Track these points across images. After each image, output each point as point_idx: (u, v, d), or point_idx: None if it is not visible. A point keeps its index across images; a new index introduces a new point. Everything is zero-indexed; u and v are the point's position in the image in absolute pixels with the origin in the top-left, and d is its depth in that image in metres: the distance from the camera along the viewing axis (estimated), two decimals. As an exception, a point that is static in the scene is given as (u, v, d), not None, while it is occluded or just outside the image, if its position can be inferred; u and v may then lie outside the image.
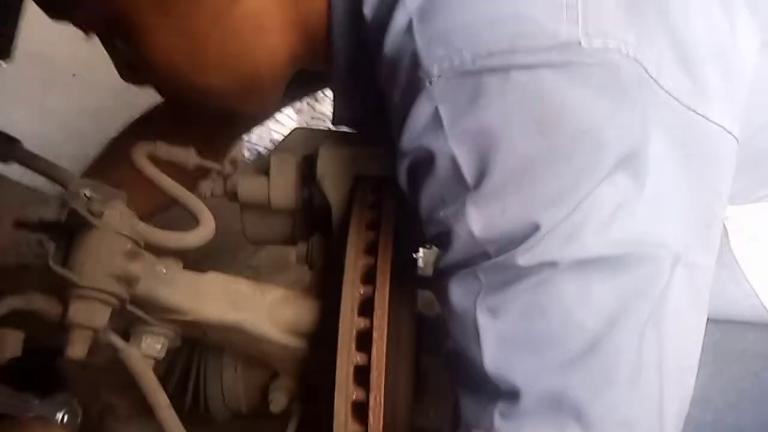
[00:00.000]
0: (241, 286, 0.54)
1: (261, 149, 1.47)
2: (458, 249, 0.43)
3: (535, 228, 0.40)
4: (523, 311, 0.41)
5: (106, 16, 0.52)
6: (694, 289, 0.44)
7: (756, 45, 0.48)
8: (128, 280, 0.46)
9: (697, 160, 0.45)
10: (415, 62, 0.43)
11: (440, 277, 0.45)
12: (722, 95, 0.45)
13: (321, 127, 1.00)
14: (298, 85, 0.63)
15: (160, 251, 0.53)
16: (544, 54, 0.40)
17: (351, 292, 0.49)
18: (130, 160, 0.60)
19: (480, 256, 0.42)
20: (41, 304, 0.43)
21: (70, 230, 0.44)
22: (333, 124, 0.67)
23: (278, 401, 0.57)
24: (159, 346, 0.52)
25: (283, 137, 0.67)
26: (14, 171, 0.56)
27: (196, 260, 0.56)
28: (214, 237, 0.56)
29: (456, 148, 0.41)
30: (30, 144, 0.57)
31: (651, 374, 0.41)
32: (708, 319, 0.45)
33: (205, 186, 0.66)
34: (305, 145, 0.63)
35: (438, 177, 0.43)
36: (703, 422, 0.56)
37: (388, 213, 0.53)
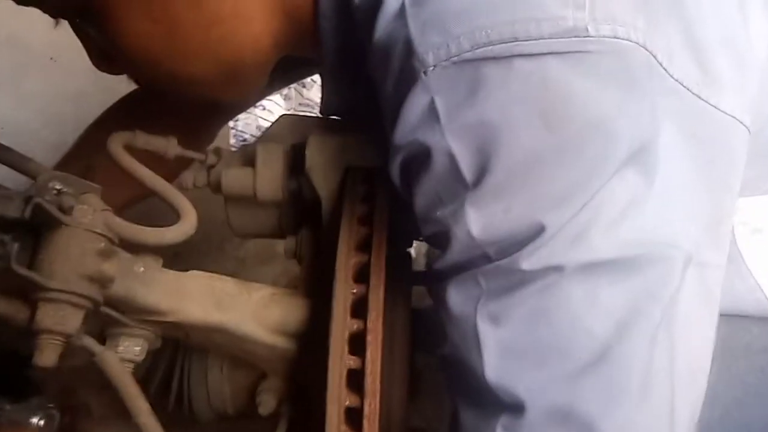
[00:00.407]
0: (225, 284, 0.51)
1: (247, 136, 1.43)
2: (457, 251, 0.40)
3: (540, 229, 0.37)
4: (527, 318, 0.38)
5: (76, 2, 0.48)
6: (705, 288, 0.42)
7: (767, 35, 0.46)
8: (102, 281, 0.43)
9: (708, 153, 0.42)
10: (409, 50, 0.39)
11: (437, 279, 0.43)
12: (734, 85, 0.43)
13: (309, 114, 0.96)
14: (284, 71, 0.60)
15: (137, 248, 0.49)
16: (549, 41, 0.37)
17: (343, 292, 0.46)
18: (105, 152, 0.56)
19: (480, 259, 0.39)
20: (6, 308, 0.40)
21: (35, 228, 0.41)
22: (322, 113, 0.63)
23: (267, 403, 0.55)
24: (138, 349, 0.49)
25: (270, 125, 0.63)
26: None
27: (178, 252, 0.53)
28: (198, 228, 0.53)
29: (453, 144, 0.38)
30: (6, 131, 0.53)
31: (663, 381, 0.38)
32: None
33: (187, 177, 0.63)
34: (293, 134, 0.60)
35: (434, 174, 0.40)
36: (711, 419, 0.54)
37: (381, 206, 0.50)
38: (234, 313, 0.50)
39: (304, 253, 0.58)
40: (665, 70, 0.39)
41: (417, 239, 0.71)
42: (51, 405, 0.55)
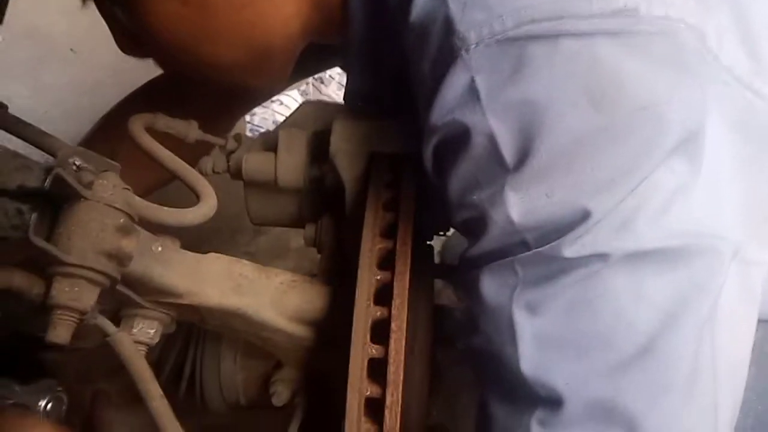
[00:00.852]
0: (244, 268, 0.49)
1: (263, 131, 1.42)
2: (493, 237, 0.38)
3: (585, 215, 0.35)
4: (567, 308, 0.36)
5: None
6: (747, 286, 0.40)
7: None
8: (120, 258, 0.41)
9: (754, 145, 0.40)
10: (448, 28, 0.38)
11: (469, 267, 0.41)
12: None
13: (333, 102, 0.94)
14: (307, 61, 0.59)
15: (155, 230, 0.48)
16: (599, 20, 0.35)
17: (367, 278, 0.44)
18: (126, 133, 0.55)
19: (518, 246, 0.38)
20: (20, 281, 0.39)
21: (55, 200, 0.40)
22: (345, 102, 0.62)
23: (281, 394, 0.53)
24: (152, 332, 0.47)
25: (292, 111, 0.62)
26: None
27: (189, 244, 0.52)
28: (209, 221, 0.51)
29: (495, 123, 0.37)
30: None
31: (707, 380, 0.36)
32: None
33: (206, 162, 0.62)
34: (316, 120, 0.59)
35: (472, 156, 0.38)
36: (743, 427, 0.52)
37: (407, 193, 0.48)
38: (252, 298, 0.48)
39: (323, 241, 0.57)
40: (715, 56, 0.38)
41: (439, 233, 0.69)
42: (59, 388, 0.53)
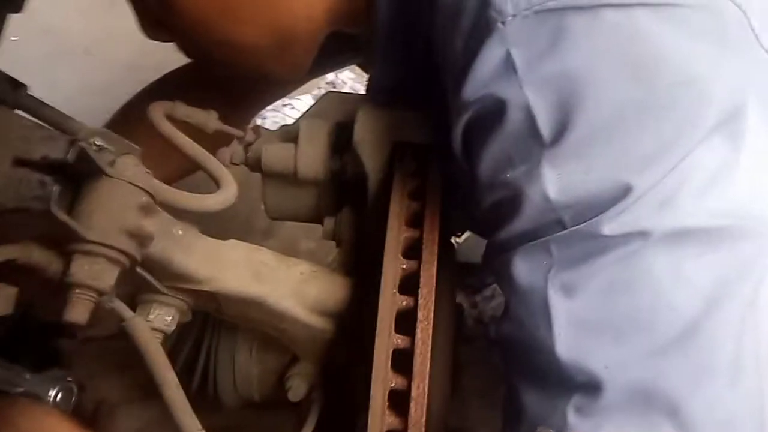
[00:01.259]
0: (264, 256, 0.48)
1: (276, 135, 1.42)
2: (527, 216, 0.37)
3: (626, 191, 0.34)
4: (605, 289, 0.35)
5: None
6: None
7: None
8: (141, 238, 0.40)
9: None
10: (484, 2, 0.37)
11: (500, 250, 0.40)
12: None
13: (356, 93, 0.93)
14: (323, 57, 0.58)
15: (175, 215, 0.47)
16: None
17: (392, 267, 0.43)
18: (145, 123, 0.54)
19: (552, 225, 0.36)
20: (39, 256, 0.38)
21: (77, 177, 0.39)
22: (368, 92, 0.61)
23: (297, 389, 0.51)
24: (169, 319, 0.46)
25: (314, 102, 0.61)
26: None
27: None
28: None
29: (532, 96, 0.36)
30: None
31: (751, 364, 0.35)
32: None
33: (225, 153, 0.61)
34: (338, 111, 0.58)
35: (507, 131, 0.37)
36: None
37: (433, 181, 0.47)
38: (272, 287, 0.47)
39: (343, 234, 0.56)
40: (756, 36, 0.37)
41: (457, 233, 0.68)
42: (69, 378, 0.52)
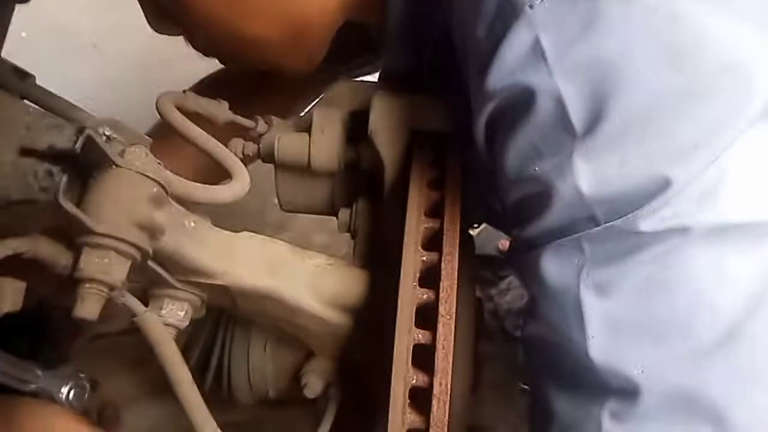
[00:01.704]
0: (279, 248, 0.47)
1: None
2: (558, 212, 0.35)
3: (664, 184, 0.32)
4: (641, 288, 0.33)
5: None
6: None
7: None
8: (152, 230, 0.39)
9: None
10: None
11: (527, 247, 0.38)
12: None
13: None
14: (344, 59, 0.56)
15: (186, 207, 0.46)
16: None
17: (412, 259, 0.41)
18: (156, 108, 0.53)
19: (584, 222, 0.34)
20: (47, 250, 0.36)
21: (85, 167, 0.37)
22: (381, 80, 0.60)
23: (313, 385, 0.50)
24: (182, 314, 0.45)
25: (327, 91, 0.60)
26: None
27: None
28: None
29: (563, 84, 0.34)
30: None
31: None
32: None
33: (236, 144, 0.59)
34: (353, 99, 0.56)
35: (535, 122, 0.35)
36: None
37: (453, 170, 0.45)
38: (287, 280, 0.45)
39: (358, 225, 0.54)
40: None
41: (473, 225, 0.66)
42: (82, 375, 0.51)
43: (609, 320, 0.34)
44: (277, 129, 0.59)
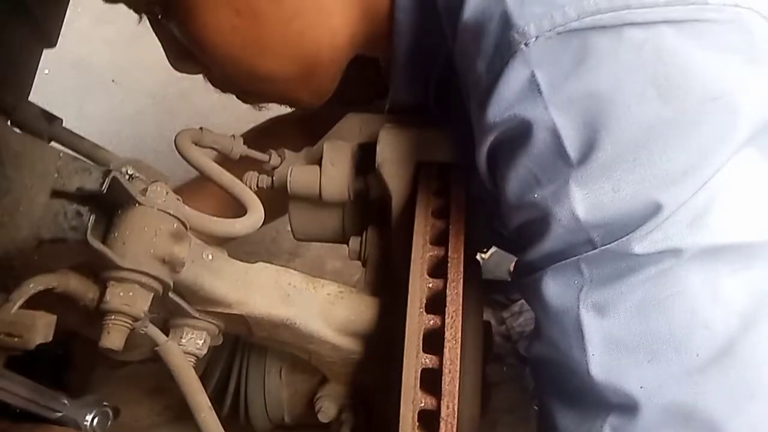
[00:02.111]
0: (292, 278, 0.49)
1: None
2: (556, 236, 0.37)
3: (656, 209, 0.34)
4: (637, 308, 0.35)
5: None
6: None
7: None
8: (172, 264, 0.41)
9: None
10: (506, 23, 0.38)
11: (529, 272, 0.40)
12: None
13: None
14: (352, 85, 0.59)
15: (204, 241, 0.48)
16: (664, 9, 0.34)
17: (419, 286, 0.43)
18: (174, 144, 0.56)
19: (583, 245, 0.36)
20: (76, 285, 0.39)
21: (109, 206, 0.40)
22: (388, 112, 0.62)
23: (327, 410, 0.52)
24: (201, 342, 0.47)
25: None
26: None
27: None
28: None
29: (557, 117, 0.36)
30: (68, 149, 0.54)
31: None
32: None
33: (251, 177, 0.62)
34: (361, 132, 0.59)
35: (533, 152, 0.37)
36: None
37: (457, 199, 0.47)
38: (300, 309, 0.47)
39: (368, 254, 0.56)
40: None
41: (482, 250, 0.68)
42: (106, 403, 0.53)
43: (608, 339, 0.35)
44: (290, 162, 0.61)
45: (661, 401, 0.34)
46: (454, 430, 0.39)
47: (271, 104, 0.62)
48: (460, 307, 0.42)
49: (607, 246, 0.35)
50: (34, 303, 0.38)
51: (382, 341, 0.48)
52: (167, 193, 0.43)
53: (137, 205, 0.40)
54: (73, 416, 0.50)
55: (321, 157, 0.58)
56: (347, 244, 0.60)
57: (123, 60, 1.62)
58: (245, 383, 0.56)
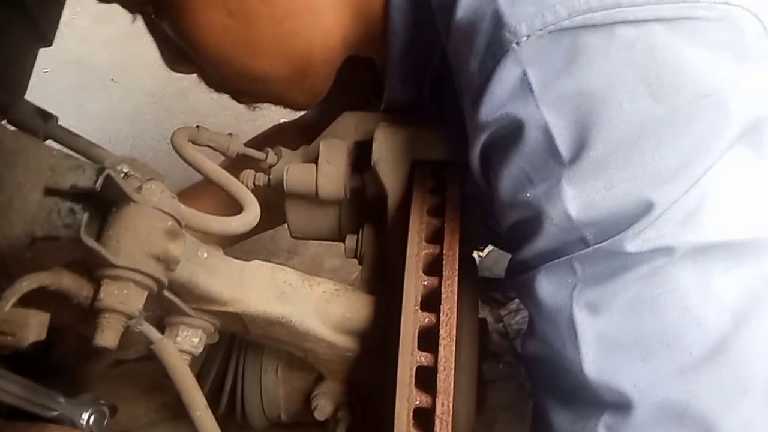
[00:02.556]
0: (288, 276, 0.49)
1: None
2: (549, 235, 0.37)
3: (648, 207, 0.34)
4: (630, 307, 0.35)
5: None
6: None
7: None
8: (167, 262, 0.41)
9: None
10: (498, 23, 0.38)
11: (523, 270, 0.39)
12: None
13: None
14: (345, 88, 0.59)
15: (199, 239, 0.48)
16: (654, 7, 0.34)
17: (414, 284, 0.43)
18: (171, 142, 0.56)
19: (575, 244, 0.36)
20: (70, 283, 0.39)
21: (103, 204, 0.40)
22: (384, 110, 0.62)
23: (324, 408, 0.52)
24: (196, 340, 0.47)
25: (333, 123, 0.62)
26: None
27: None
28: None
29: (549, 116, 0.36)
30: (66, 147, 0.54)
31: None
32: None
33: (247, 175, 0.62)
34: (357, 130, 0.59)
35: (525, 151, 0.37)
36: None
37: (452, 198, 0.47)
38: (296, 306, 0.47)
39: (365, 252, 0.56)
40: None
41: (478, 248, 0.67)
42: (102, 401, 0.53)
43: (601, 337, 0.35)
44: (286, 160, 0.61)
45: (655, 399, 0.34)
46: (450, 427, 0.39)
47: (265, 104, 0.62)
48: (455, 305, 0.42)
49: (600, 244, 0.35)
50: (28, 301, 0.38)
51: (378, 339, 0.48)
52: (162, 191, 0.43)
53: (132, 202, 0.40)
54: (69, 415, 0.50)
55: (317, 156, 0.58)
56: (344, 242, 0.60)
57: (122, 59, 1.62)
58: (242, 381, 0.56)
